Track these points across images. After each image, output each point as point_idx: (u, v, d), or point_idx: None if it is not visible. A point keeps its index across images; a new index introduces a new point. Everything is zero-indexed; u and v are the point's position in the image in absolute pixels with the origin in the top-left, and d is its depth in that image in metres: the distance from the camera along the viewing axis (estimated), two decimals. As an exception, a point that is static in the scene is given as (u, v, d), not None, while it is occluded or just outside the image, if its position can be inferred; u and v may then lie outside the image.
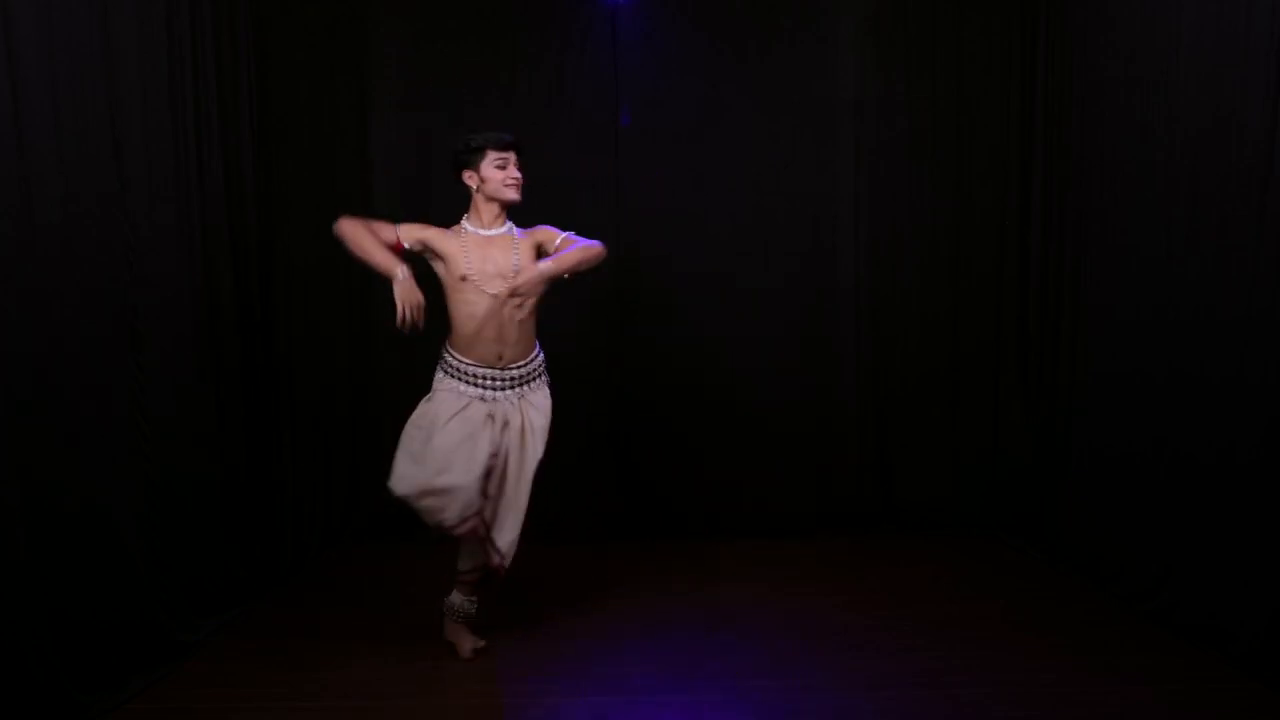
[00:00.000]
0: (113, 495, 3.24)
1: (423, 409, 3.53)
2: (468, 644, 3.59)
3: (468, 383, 3.49)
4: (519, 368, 3.55)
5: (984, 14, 5.04)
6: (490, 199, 3.52)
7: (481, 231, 3.53)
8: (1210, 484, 3.53)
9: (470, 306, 3.47)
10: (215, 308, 3.94)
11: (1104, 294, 4.29)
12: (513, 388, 3.53)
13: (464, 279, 3.45)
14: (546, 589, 4.35)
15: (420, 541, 5.05)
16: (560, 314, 5.11)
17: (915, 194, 5.08)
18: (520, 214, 5.33)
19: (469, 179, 3.53)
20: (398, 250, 3.45)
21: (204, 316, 3.87)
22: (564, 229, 5.04)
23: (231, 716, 3.13)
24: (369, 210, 5.05)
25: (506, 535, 3.51)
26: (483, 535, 3.48)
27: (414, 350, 5.15)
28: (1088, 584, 4.25)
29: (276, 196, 4.49)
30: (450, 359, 3.54)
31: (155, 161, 3.54)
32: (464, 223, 3.56)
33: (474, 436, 3.42)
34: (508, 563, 3.53)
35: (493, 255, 3.50)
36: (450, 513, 3.37)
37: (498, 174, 3.48)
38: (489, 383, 3.50)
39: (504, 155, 3.48)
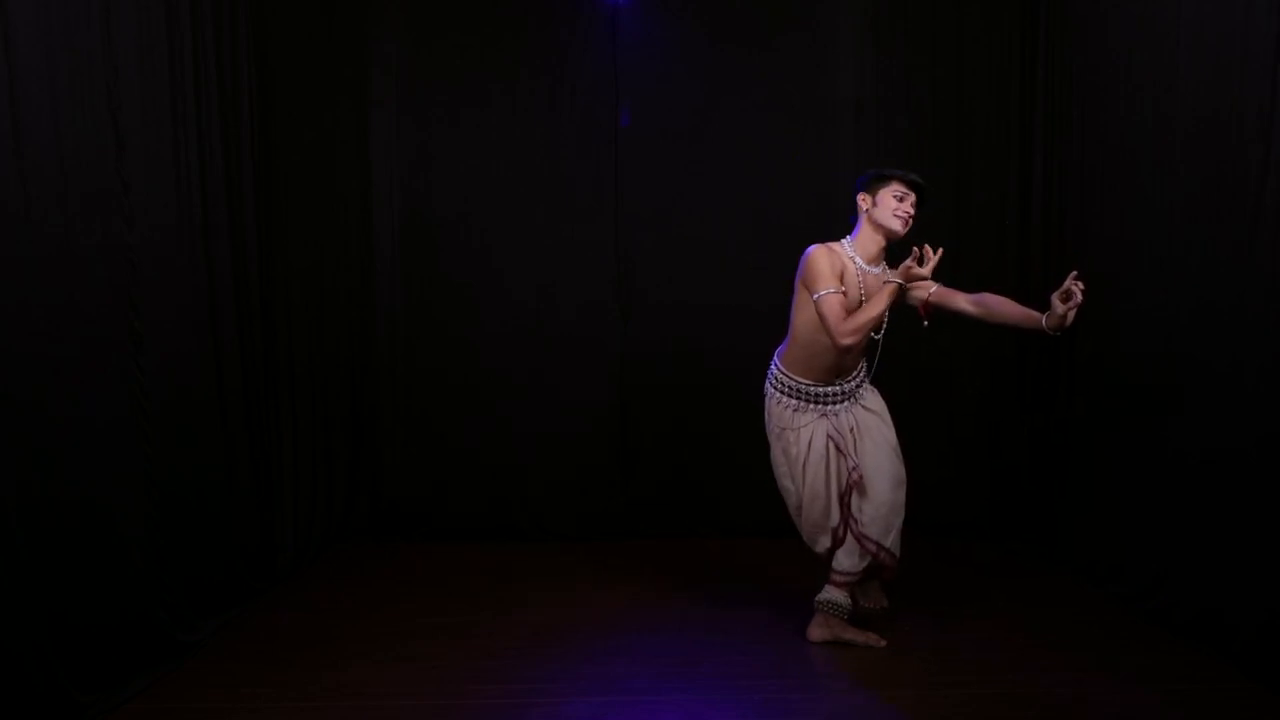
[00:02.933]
0: (113, 495, 3.24)
1: (779, 458, 3.67)
2: (861, 636, 3.64)
3: (805, 400, 3.59)
4: (853, 381, 3.64)
5: (984, 14, 5.04)
6: (877, 224, 3.51)
7: (868, 269, 3.54)
8: (1209, 483, 3.53)
9: (826, 338, 3.48)
10: (215, 307, 3.93)
11: (1103, 293, 4.27)
12: (847, 399, 3.62)
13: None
14: (546, 588, 4.35)
15: (421, 541, 5.11)
16: (561, 313, 5.17)
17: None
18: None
19: (863, 201, 3.55)
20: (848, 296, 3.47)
21: (204, 316, 3.87)
22: (571, 229, 5.12)
23: (231, 716, 3.13)
24: (366, 210, 5.12)
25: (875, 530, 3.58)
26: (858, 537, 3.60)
27: (415, 350, 5.20)
28: (1087, 584, 4.25)
29: (276, 196, 4.49)
30: (784, 378, 3.62)
31: (155, 161, 3.53)
32: (849, 250, 3.55)
33: (827, 480, 3.59)
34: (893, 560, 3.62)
35: (874, 300, 3.46)
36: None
37: (894, 203, 3.49)
38: (826, 398, 3.60)
39: (906, 191, 3.49)
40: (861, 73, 5.09)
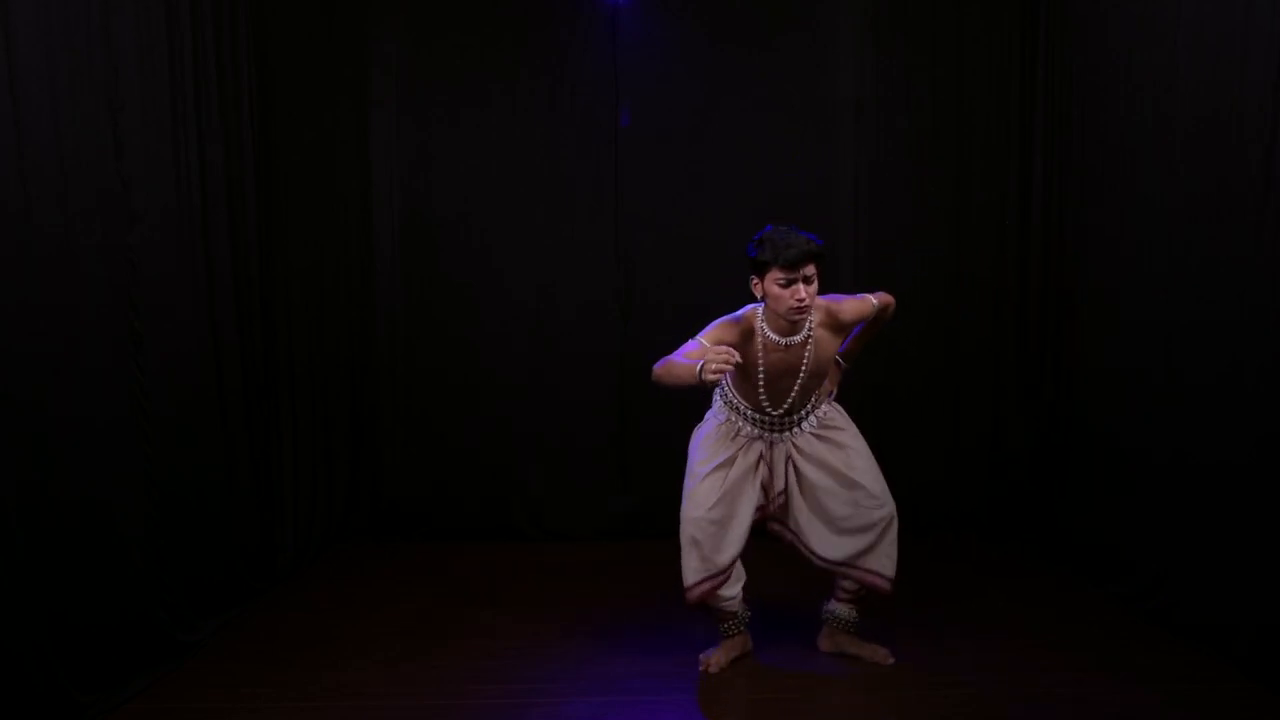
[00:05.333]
0: (113, 495, 3.24)
1: (696, 450, 3.51)
2: (867, 650, 3.55)
3: (744, 420, 3.46)
4: (799, 413, 3.48)
5: (984, 14, 5.04)
6: (774, 311, 3.25)
7: (780, 339, 3.28)
8: (1209, 483, 3.53)
9: (756, 387, 3.37)
10: (215, 307, 3.94)
11: (1104, 293, 4.29)
12: (787, 430, 3.48)
13: (753, 383, 3.35)
14: (547, 587, 4.36)
15: (421, 541, 5.11)
16: (561, 313, 5.17)
17: (915, 194, 5.08)
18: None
19: (755, 287, 3.27)
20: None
21: (204, 316, 3.87)
22: (571, 229, 5.11)
23: (231, 716, 3.13)
24: (366, 210, 5.12)
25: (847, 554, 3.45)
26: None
27: (415, 350, 5.20)
28: (1088, 584, 4.25)
29: (277, 196, 4.49)
30: (730, 394, 3.49)
31: (155, 161, 3.54)
32: (762, 321, 3.29)
33: (736, 506, 3.42)
34: (886, 584, 3.43)
35: (790, 362, 3.31)
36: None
37: (781, 293, 3.17)
38: (764, 424, 3.45)
39: (791, 275, 3.15)
40: (861, 73, 5.08)
